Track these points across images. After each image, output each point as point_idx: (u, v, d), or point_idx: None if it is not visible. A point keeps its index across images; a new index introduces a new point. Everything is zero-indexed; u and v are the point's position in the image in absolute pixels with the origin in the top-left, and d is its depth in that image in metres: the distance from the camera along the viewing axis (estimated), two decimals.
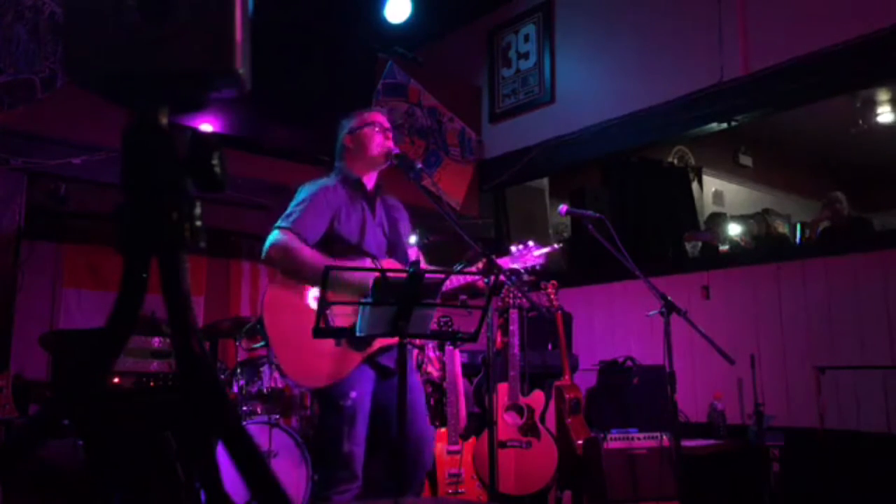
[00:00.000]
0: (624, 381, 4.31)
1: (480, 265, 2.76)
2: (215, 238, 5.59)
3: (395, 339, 2.27)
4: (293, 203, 2.67)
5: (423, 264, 2.88)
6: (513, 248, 3.02)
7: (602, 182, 7.00)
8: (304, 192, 2.70)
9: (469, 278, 2.79)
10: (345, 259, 2.61)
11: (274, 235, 2.58)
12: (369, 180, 2.80)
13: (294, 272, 2.57)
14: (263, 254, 2.58)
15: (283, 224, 2.59)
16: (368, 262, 2.63)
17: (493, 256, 2.73)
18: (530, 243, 3.00)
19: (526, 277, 3.04)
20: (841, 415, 4.06)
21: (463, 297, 4.12)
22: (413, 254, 2.88)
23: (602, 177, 7.01)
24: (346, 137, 2.81)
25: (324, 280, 2.18)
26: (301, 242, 2.56)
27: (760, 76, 4.41)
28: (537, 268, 2.96)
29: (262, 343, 4.11)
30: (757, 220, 6.09)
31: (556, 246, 3.09)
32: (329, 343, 2.50)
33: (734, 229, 6.42)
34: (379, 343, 2.56)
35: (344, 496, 2.51)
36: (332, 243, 2.63)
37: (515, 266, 2.94)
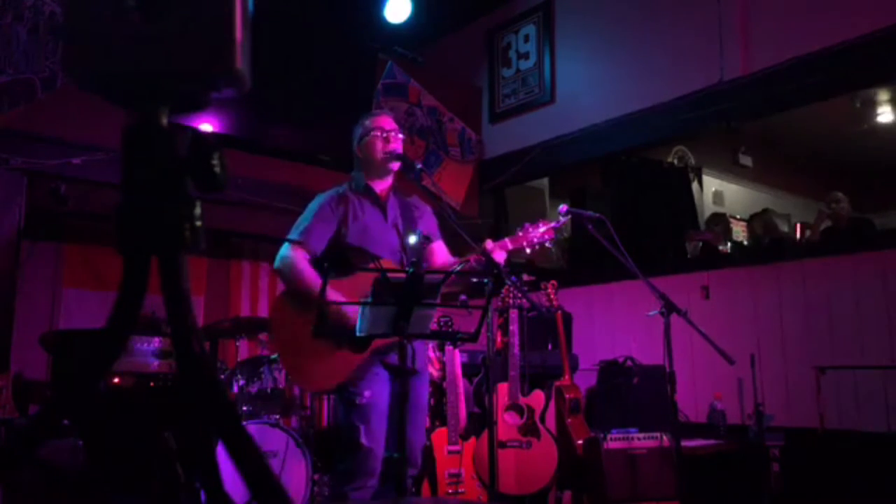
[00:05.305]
0: (624, 381, 4.30)
1: (477, 259, 2.75)
2: (215, 238, 5.59)
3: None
4: (304, 213, 2.79)
5: (443, 256, 2.90)
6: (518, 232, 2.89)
7: (602, 182, 6.99)
8: (314, 203, 2.80)
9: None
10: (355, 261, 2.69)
11: (284, 250, 2.70)
12: (380, 185, 2.85)
13: (293, 290, 2.69)
14: (275, 266, 2.72)
15: (293, 237, 2.71)
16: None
17: (492, 240, 2.73)
18: (527, 224, 2.87)
19: (526, 277, 3.02)
20: (841, 415, 4.06)
21: (463, 297, 4.12)
22: (439, 249, 2.90)
23: (602, 177, 7.00)
24: (357, 148, 2.88)
25: (323, 283, 2.25)
26: (307, 259, 2.67)
27: (760, 76, 4.41)
28: (546, 244, 2.85)
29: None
30: (763, 219, 6.05)
31: (561, 219, 2.97)
32: (329, 346, 2.57)
33: (737, 230, 6.39)
34: (376, 342, 2.59)
35: (359, 493, 2.55)
36: (340, 248, 2.72)
37: (521, 245, 2.81)
